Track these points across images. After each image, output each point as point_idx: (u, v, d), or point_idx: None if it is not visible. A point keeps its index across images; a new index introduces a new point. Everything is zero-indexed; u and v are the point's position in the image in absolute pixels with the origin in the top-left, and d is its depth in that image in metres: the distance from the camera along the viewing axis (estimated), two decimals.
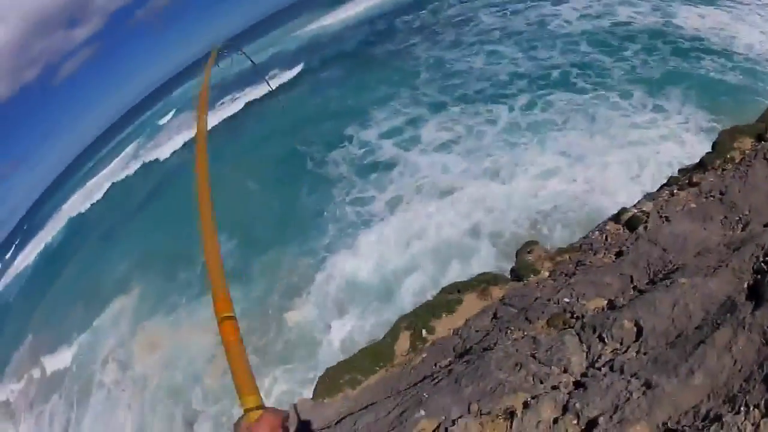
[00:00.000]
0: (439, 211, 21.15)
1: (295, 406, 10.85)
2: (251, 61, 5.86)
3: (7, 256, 77.08)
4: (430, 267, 18.58)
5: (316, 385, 11.32)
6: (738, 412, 4.54)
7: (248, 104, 50.66)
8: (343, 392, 10.66)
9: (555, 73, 27.92)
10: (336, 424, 9.14)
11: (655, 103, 22.09)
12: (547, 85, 27.01)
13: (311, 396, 11.22)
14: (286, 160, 32.39)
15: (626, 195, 15.89)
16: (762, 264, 6.41)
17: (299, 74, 51.38)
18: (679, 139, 19.16)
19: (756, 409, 4.55)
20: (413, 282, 18.20)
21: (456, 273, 16.41)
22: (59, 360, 27.90)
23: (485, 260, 17.23)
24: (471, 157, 23.76)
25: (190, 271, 25.87)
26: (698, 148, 16.51)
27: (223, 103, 55.31)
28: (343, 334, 17.44)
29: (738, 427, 4.09)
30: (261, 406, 1.26)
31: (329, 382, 11.04)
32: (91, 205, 57.89)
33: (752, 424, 3.93)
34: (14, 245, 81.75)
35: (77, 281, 37.68)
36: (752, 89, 20.29)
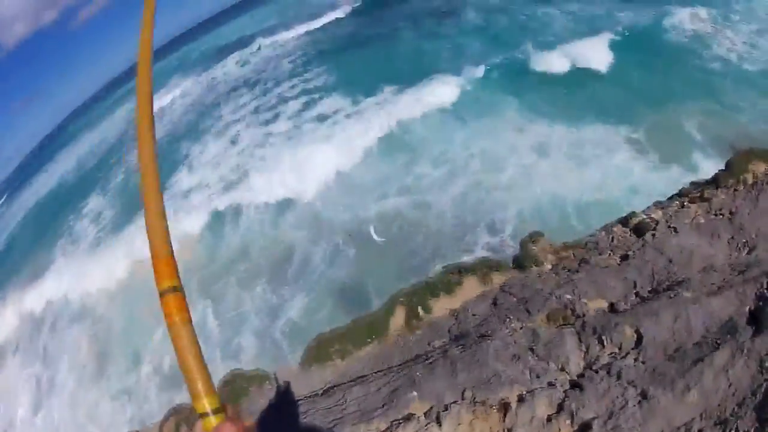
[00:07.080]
0: None
1: (275, 375, 11.00)
2: None
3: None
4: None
5: (306, 351, 11.44)
6: None
7: None
8: (332, 361, 10.81)
9: None
10: (322, 393, 9.27)
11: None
12: None
13: (298, 361, 11.38)
14: None
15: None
16: (765, 291, 6.51)
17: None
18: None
19: None
20: None
21: None
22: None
23: None
24: None
25: None
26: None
27: None
28: None
29: None
30: (220, 409, 1.00)
31: (320, 350, 11.17)
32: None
33: None
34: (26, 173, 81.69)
35: None
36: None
